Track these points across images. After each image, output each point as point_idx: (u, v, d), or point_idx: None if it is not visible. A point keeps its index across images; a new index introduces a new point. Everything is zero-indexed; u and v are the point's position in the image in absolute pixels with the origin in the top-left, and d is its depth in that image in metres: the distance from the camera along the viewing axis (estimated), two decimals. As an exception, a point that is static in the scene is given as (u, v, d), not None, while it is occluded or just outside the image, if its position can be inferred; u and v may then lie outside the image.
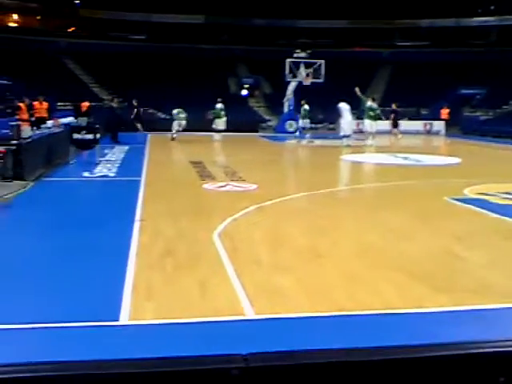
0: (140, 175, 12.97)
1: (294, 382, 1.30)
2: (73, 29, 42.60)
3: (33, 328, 4.30)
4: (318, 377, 1.32)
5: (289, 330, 4.42)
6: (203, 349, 3.87)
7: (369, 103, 24.04)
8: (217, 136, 26.45)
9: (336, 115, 23.98)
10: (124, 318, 4.53)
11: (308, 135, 25.66)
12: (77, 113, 25.17)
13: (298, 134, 26.86)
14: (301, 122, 26.67)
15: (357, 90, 23.06)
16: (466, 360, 1.41)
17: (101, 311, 4.66)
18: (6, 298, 4.97)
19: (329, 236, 7.58)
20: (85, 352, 3.81)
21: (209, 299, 4.97)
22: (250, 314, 4.70)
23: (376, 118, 24.07)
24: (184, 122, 23.70)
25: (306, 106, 25.90)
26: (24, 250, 6.66)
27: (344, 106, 22.99)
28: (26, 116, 17.62)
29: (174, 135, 23.68)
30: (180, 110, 23.84)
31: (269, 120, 35.44)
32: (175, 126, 23.78)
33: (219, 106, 26.63)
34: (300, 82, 30.10)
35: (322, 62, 30.16)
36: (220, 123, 26.42)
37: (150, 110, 33.83)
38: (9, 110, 21.89)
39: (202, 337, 4.20)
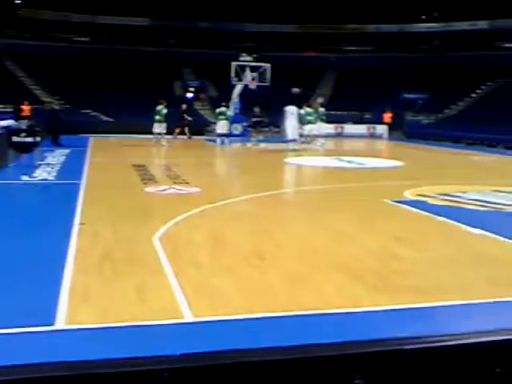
0: (80, 178, 12.68)
1: (229, 382, 1.26)
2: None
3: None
4: (253, 375, 1.28)
5: (227, 331, 4.36)
6: (136, 351, 3.78)
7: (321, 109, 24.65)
8: (162, 140, 25.94)
9: (282, 119, 24.06)
10: (60, 322, 4.40)
11: (254, 139, 25.67)
12: (17, 115, 24.50)
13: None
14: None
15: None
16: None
17: (36, 316, 4.49)
18: None
19: (271, 238, 7.56)
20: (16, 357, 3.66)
21: (146, 302, 4.87)
22: (188, 316, 4.62)
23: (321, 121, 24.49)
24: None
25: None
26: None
27: (290, 110, 23.01)
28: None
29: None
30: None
31: (214, 123, 35.19)
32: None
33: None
34: (246, 86, 30.15)
35: (268, 66, 30.27)
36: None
37: (93, 113, 33.25)
38: None
39: (136, 339, 4.12)
